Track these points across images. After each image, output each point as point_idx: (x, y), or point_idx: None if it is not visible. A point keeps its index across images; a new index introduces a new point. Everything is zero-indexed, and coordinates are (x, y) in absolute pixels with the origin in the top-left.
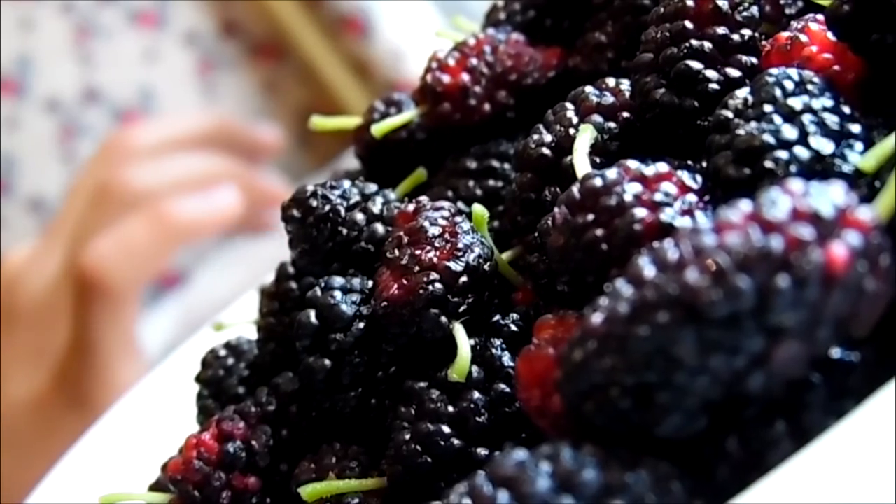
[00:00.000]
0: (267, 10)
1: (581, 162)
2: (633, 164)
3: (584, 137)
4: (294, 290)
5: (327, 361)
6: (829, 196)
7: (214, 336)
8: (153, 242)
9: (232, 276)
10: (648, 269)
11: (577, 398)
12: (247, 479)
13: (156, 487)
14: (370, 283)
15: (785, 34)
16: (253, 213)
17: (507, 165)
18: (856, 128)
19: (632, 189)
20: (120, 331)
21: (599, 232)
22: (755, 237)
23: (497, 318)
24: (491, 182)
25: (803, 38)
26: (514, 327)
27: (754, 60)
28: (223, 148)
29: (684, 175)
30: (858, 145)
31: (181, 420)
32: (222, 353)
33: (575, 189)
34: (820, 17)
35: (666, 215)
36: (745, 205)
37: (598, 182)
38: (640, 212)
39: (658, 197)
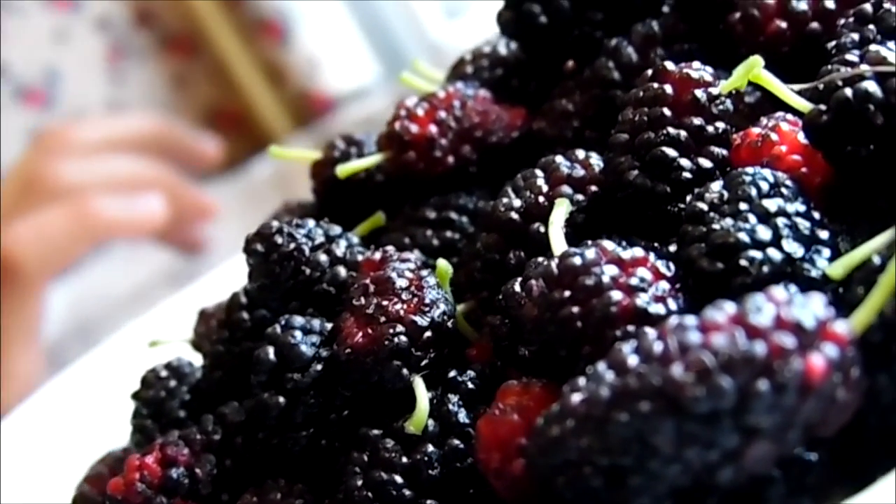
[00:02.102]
0: (184, 4)
1: (557, 236)
2: (609, 245)
3: (560, 211)
4: (246, 321)
5: (282, 399)
6: (811, 308)
7: (122, 342)
8: (69, 235)
9: (127, 273)
10: (632, 358)
11: (550, 471)
12: None
13: (82, 503)
14: (329, 326)
15: (756, 130)
16: (180, 225)
17: (465, 219)
18: (824, 234)
19: (609, 271)
20: (23, 318)
21: (575, 309)
22: (740, 341)
23: (454, 373)
24: (448, 233)
25: (774, 136)
26: (471, 385)
27: (725, 153)
28: (161, 154)
29: (659, 262)
30: (826, 252)
31: (83, 427)
32: (164, 373)
33: (553, 265)
34: (791, 116)
35: (641, 300)
36: (729, 307)
37: (577, 261)
38: (617, 295)
39: (634, 281)
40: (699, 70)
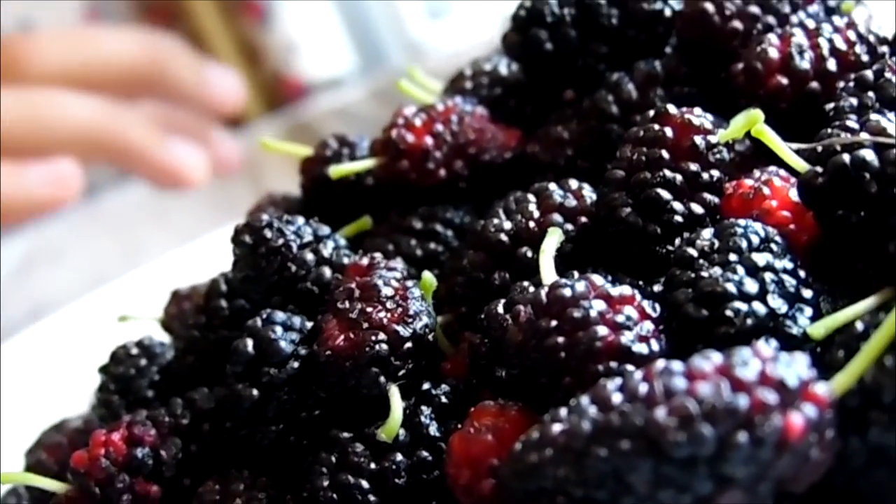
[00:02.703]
0: None
1: (547, 265)
2: (598, 280)
3: (552, 240)
4: (224, 309)
5: (255, 392)
6: (795, 367)
7: (79, 313)
8: None
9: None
10: (616, 396)
11: (524, 496)
12: (149, 486)
13: (39, 470)
14: (309, 325)
15: (749, 182)
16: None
17: (450, 232)
18: (808, 293)
19: (597, 306)
20: None
21: (561, 340)
22: (725, 392)
23: (428, 386)
24: (432, 245)
25: (766, 190)
26: (444, 399)
27: (716, 200)
28: (152, 92)
29: (645, 302)
30: (808, 311)
31: (32, 393)
32: (134, 350)
33: (542, 293)
34: (783, 172)
35: (625, 338)
36: (716, 357)
37: (566, 292)
38: (603, 330)
39: (620, 319)
40: (700, 117)
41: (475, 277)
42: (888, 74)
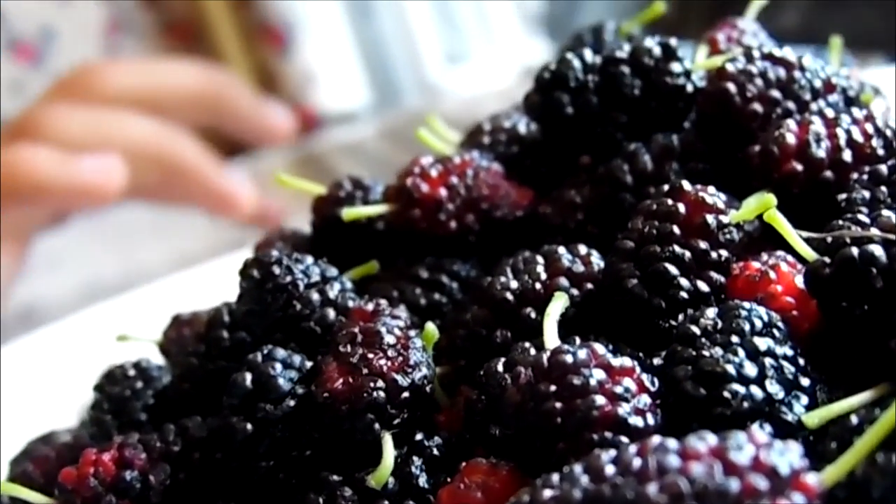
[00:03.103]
0: None
1: (551, 329)
2: (600, 349)
3: (558, 305)
4: (225, 339)
5: (249, 426)
6: (788, 456)
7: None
8: None
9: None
10: (609, 468)
11: None
12: None
13: (24, 481)
14: (308, 364)
15: (756, 264)
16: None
17: (455, 284)
18: (805, 381)
19: (597, 375)
20: None
21: (558, 405)
22: (717, 474)
23: (420, 437)
24: (436, 295)
25: (772, 274)
26: (436, 451)
27: (723, 280)
28: (211, 117)
29: (644, 375)
30: (804, 399)
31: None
32: (131, 372)
33: (544, 357)
34: (790, 258)
35: (622, 410)
36: (711, 439)
37: (567, 358)
38: (601, 399)
39: (618, 390)
40: (714, 196)
41: (477, 333)
42: None
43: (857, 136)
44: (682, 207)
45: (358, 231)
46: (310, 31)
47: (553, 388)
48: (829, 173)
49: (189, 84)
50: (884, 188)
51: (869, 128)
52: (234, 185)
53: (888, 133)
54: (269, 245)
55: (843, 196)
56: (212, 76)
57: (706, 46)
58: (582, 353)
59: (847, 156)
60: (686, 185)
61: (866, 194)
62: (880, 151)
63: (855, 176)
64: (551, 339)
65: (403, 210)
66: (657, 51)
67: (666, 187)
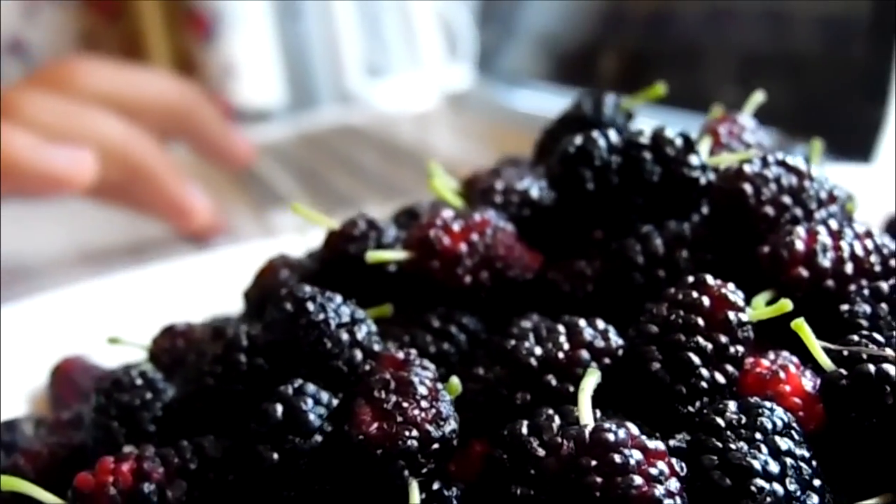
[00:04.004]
0: None
1: (586, 405)
2: (634, 430)
3: (592, 381)
4: (242, 363)
5: (276, 456)
6: None
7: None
8: None
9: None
10: None
11: None
12: None
13: (17, 476)
14: (334, 402)
15: (766, 362)
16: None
17: (463, 337)
18: (817, 482)
19: (635, 455)
20: None
21: (598, 480)
22: None
23: (439, 486)
24: (445, 345)
25: (782, 374)
26: (455, 502)
27: (736, 373)
28: (180, 133)
29: (674, 460)
30: (815, 499)
31: None
32: (139, 381)
33: (586, 432)
34: (796, 360)
35: (658, 491)
36: None
37: (609, 437)
38: (638, 479)
39: (654, 471)
40: (734, 293)
41: (497, 391)
42: None
43: (859, 251)
44: (706, 301)
45: (368, 271)
46: (236, 23)
47: (594, 463)
48: (830, 282)
49: (163, 95)
50: (884, 305)
51: (869, 244)
52: (192, 198)
53: (885, 251)
54: (273, 272)
55: (845, 307)
56: (186, 92)
57: (709, 138)
58: (622, 433)
59: (849, 268)
60: (710, 279)
61: (867, 308)
62: (877, 268)
63: (853, 288)
64: (587, 414)
65: (423, 260)
66: (679, 142)
67: (690, 279)
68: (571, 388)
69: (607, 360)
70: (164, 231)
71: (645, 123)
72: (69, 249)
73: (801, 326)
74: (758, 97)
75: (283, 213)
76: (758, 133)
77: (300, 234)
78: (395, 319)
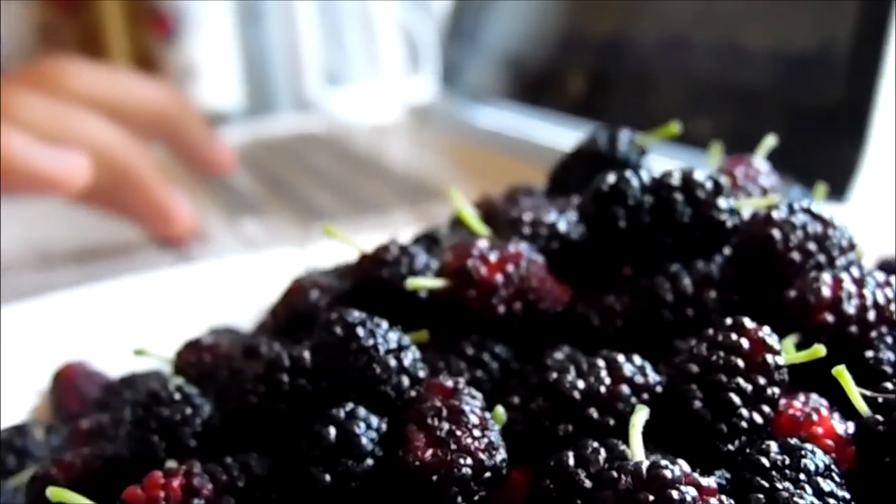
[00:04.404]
0: None
1: (638, 441)
2: (687, 468)
3: (641, 416)
4: (285, 384)
5: (328, 478)
6: None
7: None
8: None
9: None
10: None
11: None
12: None
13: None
14: (383, 426)
15: (798, 404)
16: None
17: (495, 365)
18: None
19: (690, 492)
20: None
21: None
22: None
23: None
24: (479, 372)
25: (815, 417)
26: None
27: (772, 414)
28: (165, 139)
29: (724, 497)
30: None
31: None
32: (177, 396)
33: (643, 468)
34: (825, 402)
35: None
36: None
37: (667, 473)
38: None
39: None
40: (771, 336)
41: (539, 422)
42: None
43: (881, 299)
44: (745, 343)
45: (400, 296)
46: (198, 24)
47: (652, 498)
48: (854, 328)
49: (151, 100)
50: None
51: (889, 292)
52: (177, 204)
53: None
54: (303, 292)
55: (870, 354)
56: (174, 98)
57: (726, 179)
58: (677, 470)
59: (871, 315)
60: (748, 322)
61: (892, 356)
62: None
63: (874, 334)
64: (639, 450)
65: (459, 289)
66: (709, 185)
67: (729, 321)
68: (612, 422)
69: (646, 396)
70: (122, 233)
71: (658, 161)
72: (22, 251)
73: (842, 373)
74: (770, 141)
75: (253, 221)
76: (771, 177)
77: (299, 249)
78: (429, 345)
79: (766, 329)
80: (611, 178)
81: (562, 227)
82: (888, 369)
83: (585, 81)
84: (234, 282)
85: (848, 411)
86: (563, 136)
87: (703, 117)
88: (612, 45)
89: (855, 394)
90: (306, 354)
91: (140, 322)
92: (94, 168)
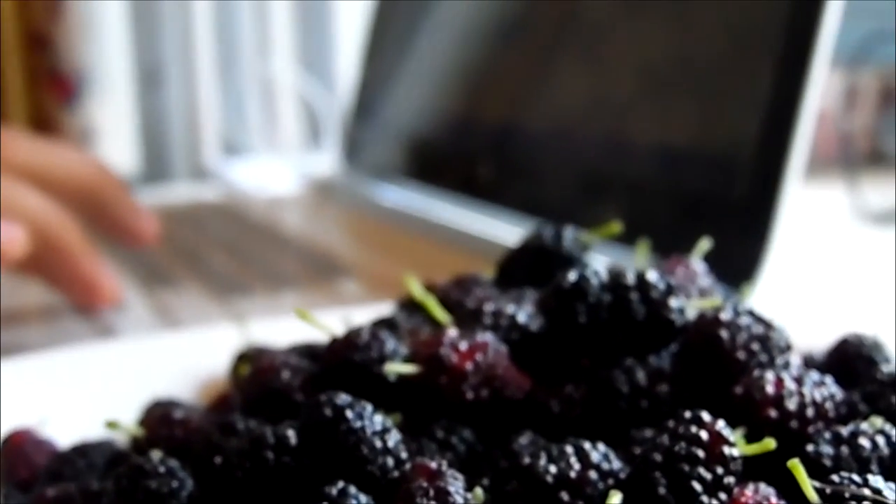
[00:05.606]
0: None
1: None
2: None
3: (616, 500)
4: (271, 461)
5: None
6: None
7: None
8: None
9: None
10: None
11: None
12: None
13: None
14: None
15: (749, 492)
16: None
17: (462, 448)
18: None
19: None
20: None
21: None
22: None
23: None
24: (449, 455)
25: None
26: None
27: (728, 501)
28: (88, 210)
29: None
30: None
31: None
32: (161, 469)
33: None
34: (772, 491)
35: None
36: None
37: None
38: None
39: None
40: (726, 429)
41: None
42: (861, 440)
43: (818, 398)
44: (705, 435)
45: (371, 380)
46: (99, 87)
47: None
48: (795, 423)
49: (79, 171)
50: (843, 448)
51: (825, 391)
52: (103, 278)
53: (836, 399)
54: (275, 371)
55: (811, 448)
56: (102, 170)
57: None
58: None
59: (810, 412)
60: (706, 416)
61: (831, 451)
62: (831, 413)
63: (811, 430)
64: None
65: (431, 375)
66: (662, 286)
67: (688, 415)
68: None
69: (611, 481)
70: (38, 298)
71: (597, 258)
72: None
73: (797, 466)
74: (704, 244)
75: (167, 291)
76: (706, 278)
77: (239, 326)
78: (401, 428)
79: (722, 423)
80: (572, 276)
81: (521, 318)
82: (828, 462)
83: (482, 164)
84: (169, 356)
85: (791, 501)
86: (463, 216)
87: (597, 207)
88: (506, 131)
89: (808, 485)
90: (290, 433)
91: (79, 392)
92: (28, 237)
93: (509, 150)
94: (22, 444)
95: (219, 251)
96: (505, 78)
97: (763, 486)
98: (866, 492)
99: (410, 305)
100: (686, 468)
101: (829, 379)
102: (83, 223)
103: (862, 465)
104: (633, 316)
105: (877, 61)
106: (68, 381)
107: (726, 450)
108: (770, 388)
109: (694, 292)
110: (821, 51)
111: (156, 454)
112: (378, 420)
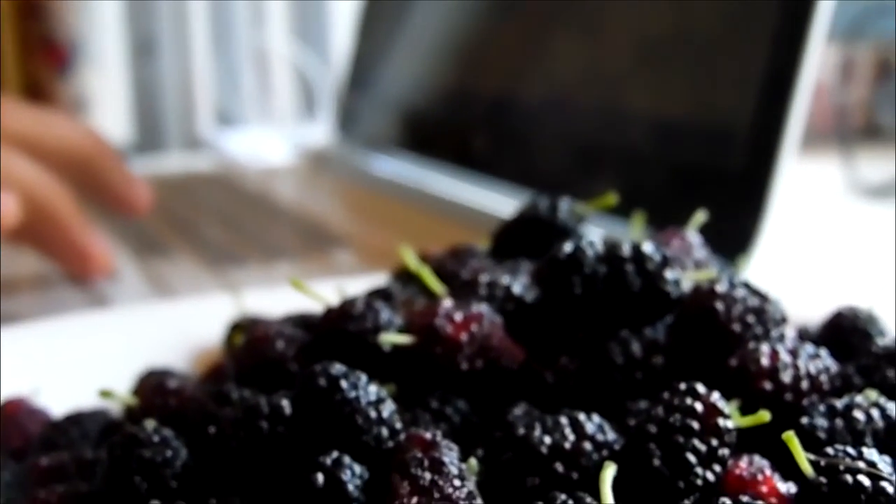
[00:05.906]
0: None
1: (608, 495)
2: None
3: (610, 472)
4: (265, 430)
5: None
6: None
7: None
8: None
9: None
10: None
11: None
12: None
13: None
14: (366, 474)
15: (743, 464)
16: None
17: (457, 418)
18: None
19: None
20: None
21: None
22: None
23: None
24: (442, 426)
25: (760, 477)
26: None
27: (722, 473)
28: (82, 179)
29: None
30: None
31: None
32: (156, 438)
33: None
34: (768, 463)
35: None
36: None
37: None
38: None
39: None
40: (721, 401)
41: (509, 476)
42: (855, 413)
43: (812, 371)
44: (699, 407)
45: (366, 349)
46: (92, 55)
47: None
48: (789, 395)
49: (73, 140)
50: (838, 421)
51: (819, 364)
52: (96, 248)
53: (831, 372)
54: (269, 341)
55: (805, 420)
56: (96, 139)
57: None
58: None
59: (805, 384)
60: (700, 388)
61: (825, 423)
62: (826, 386)
63: (806, 402)
64: (609, 502)
65: (426, 345)
66: (657, 257)
67: (683, 386)
68: (576, 476)
69: (605, 453)
70: (31, 267)
71: (593, 230)
72: None
73: (791, 438)
74: (700, 217)
75: (161, 261)
76: (702, 250)
77: (233, 296)
78: (395, 398)
79: (717, 395)
80: (568, 247)
81: (516, 289)
82: (822, 435)
83: (477, 136)
84: (163, 326)
85: (785, 473)
86: (457, 187)
87: (592, 179)
88: (502, 102)
89: (802, 457)
90: (284, 403)
91: (73, 361)
92: (22, 207)
93: (505, 122)
94: (16, 413)
95: (212, 221)
96: (500, 49)
97: (757, 458)
98: (861, 464)
99: (405, 276)
100: (681, 440)
101: (823, 352)
102: (76, 192)
103: (856, 437)
104: (628, 287)
105: (873, 35)
106: (62, 351)
107: (721, 422)
108: (765, 361)
109: (689, 264)
110: (817, 24)
111: (150, 423)
112: (372, 390)
